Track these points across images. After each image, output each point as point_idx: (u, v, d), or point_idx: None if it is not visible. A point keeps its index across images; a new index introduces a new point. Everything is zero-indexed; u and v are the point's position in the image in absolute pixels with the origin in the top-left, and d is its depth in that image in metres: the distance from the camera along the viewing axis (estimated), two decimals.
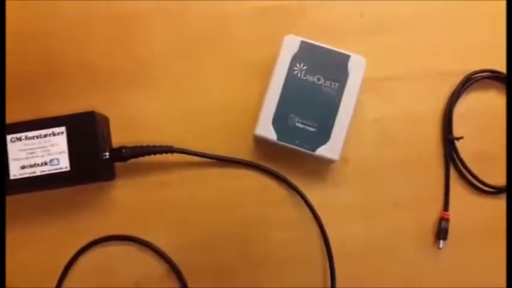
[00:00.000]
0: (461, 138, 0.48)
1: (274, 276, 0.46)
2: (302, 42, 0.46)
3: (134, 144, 0.46)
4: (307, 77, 0.45)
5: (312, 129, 0.45)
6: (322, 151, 0.45)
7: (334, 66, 0.45)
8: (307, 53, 0.46)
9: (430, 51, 0.50)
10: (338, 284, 0.46)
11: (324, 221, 0.46)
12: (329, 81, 0.45)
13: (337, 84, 0.45)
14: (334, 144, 0.45)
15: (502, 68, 0.49)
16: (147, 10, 0.49)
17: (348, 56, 0.45)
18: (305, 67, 0.45)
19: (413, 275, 0.47)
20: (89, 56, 0.49)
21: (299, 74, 0.45)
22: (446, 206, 0.48)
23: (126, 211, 0.47)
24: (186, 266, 0.46)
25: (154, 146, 0.46)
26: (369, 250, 0.47)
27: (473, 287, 0.47)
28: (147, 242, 0.46)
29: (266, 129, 0.45)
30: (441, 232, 0.48)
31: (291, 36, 0.46)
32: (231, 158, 0.47)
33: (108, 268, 0.46)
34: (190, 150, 0.46)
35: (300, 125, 0.45)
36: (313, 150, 0.45)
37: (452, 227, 0.47)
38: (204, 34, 0.49)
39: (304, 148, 0.45)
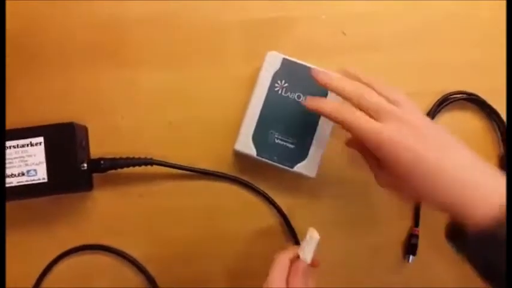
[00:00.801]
0: None
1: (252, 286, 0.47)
2: (284, 59, 0.46)
3: (113, 156, 0.46)
4: (288, 94, 0.46)
5: (291, 145, 0.46)
6: (300, 168, 0.46)
7: (315, 84, 0.45)
8: (288, 70, 0.46)
9: (408, 70, 0.51)
10: None
11: (301, 235, 0.47)
12: None
13: None
14: (311, 161, 0.46)
15: (479, 90, 0.50)
16: (133, 19, 0.49)
17: None
18: (286, 84, 0.46)
19: None
20: (71, 63, 0.48)
21: (280, 91, 0.46)
22: (416, 222, 0.50)
23: (103, 221, 0.47)
24: (162, 277, 0.47)
25: (133, 158, 0.46)
26: (343, 265, 0.49)
27: None
28: (122, 252, 0.47)
29: (246, 145, 0.45)
30: (411, 247, 0.49)
31: (273, 52, 0.46)
32: (209, 171, 0.47)
33: (83, 278, 0.47)
34: (170, 163, 0.46)
35: (280, 142, 0.46)
36: (292, 166, 0.46)
37: (421, 243, 0.49)
38: (190, 46, 0.49)
39: (282, 164, 0.46)
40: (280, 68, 0.46)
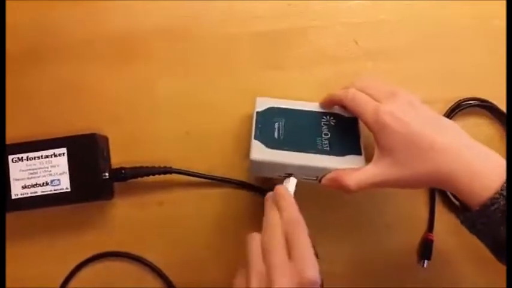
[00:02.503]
0: None
1: None
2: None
3: (133, 165, 0.47)
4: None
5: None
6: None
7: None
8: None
9: (420, 78, 0.51)
10: None
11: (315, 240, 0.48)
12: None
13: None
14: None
15: (491, 97, 0.51)
16: (148, 31, 0.50)
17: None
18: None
19: None
20: (90, 76, 0.50)
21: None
22: (430, 227, 0.50)
23: (124, 228, 0.48)
24: (181, 283, 0.48)
25: (153, 167, 0.47)
26: (356, 271, 0.49)
27: None
28: (143, 258, 0.48)
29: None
30: (425, 252, 0.50)
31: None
32: (228, 178, 0.48)
33: (104, 284, 0.48)
34: (188, 171, 0.48)
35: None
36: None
37: (436, 247, 0.50)
38: (205, 57, 0.51)
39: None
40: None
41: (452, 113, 0.51)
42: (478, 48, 0.52)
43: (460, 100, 0.51)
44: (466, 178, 0.36)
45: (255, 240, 0.37)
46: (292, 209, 0.38)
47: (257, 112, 0.46)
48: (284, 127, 0.45)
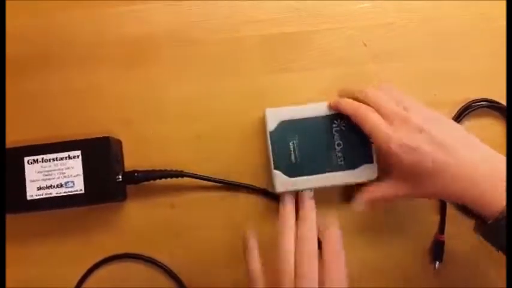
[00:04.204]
0: None
1: None
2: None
3: (145, 168, 0.48)
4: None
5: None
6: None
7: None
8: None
9: (428, 79, 0.52)
10: None
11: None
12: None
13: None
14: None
15: (500, 98, 0.51)
16: (158, 35, 0.51)
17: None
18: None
19: None
20: (101, 79, 0.51)
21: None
22: (441, 229, 0.50)
23: (137, 231, 0.49)
24: (193, 285, 0.48)
25: (165, 170, 0.48)
26: (368, 274, 0.49)
27: None
28: (155, 260, 0.49)
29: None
30: (437, 253, 0.50)
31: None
32: (238, 183, 0.49)
33: (118, 286, 0.49)
34: (200, 175, 0.48)
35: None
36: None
37: (447, 249, 0.49)
38: (215, 60, 0.51)
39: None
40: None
41: (462, 114, 0.51)
42: (485, 49, 0.52)
43: (470, 101, 0.51)
44: (476, 195, 0.38)
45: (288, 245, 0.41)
46: (336, 240, 0.41)
47: (270, 133, 0.47)
48: (298, 147, 0.47)
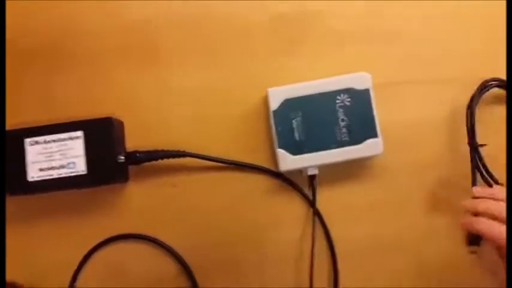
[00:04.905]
0: (485, 145, 0.48)
1: (282, 273, 0.49)
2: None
3: (148, 149, 0.48)
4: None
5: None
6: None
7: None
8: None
9: (437, 59, 0.52)
10: (344, 282, 0.48)
11: (332, 221, 0.49)
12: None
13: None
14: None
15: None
16: (161, 20, 0.51)
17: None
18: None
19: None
20: (105, 64, 0.51)
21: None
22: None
23: (139, 211, 0.49)
24: (196, 263, 0.48)
25: (168, 151, 0.48)
26: (373, 247, 0.50)
27: None
28: (157, 240, 0.48)
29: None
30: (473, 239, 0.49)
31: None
32: (241, 162, 0.49)
33: (120, 266, 0.48)
34: (202, 155, 0.48)
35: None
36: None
37: None
38: (220, 44, 0.51)
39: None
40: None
41: (481, 92, 0.50)
42: (495, 29, 0.52)
43: (486, 80, 0.50)
44: None
45: None
46: None
47: (273, 112, 0.47)
48: (302, 123, 0.47)
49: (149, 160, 0.48)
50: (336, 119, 0.47)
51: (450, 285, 0.49)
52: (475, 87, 0.50)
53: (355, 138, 0.47)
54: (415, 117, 0.51)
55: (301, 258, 0.49)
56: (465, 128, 0.49)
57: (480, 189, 0.46)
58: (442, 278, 0.49)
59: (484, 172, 0.48)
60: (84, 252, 0.48)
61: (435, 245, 0.50)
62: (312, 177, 0.48)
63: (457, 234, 0.50)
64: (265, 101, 0.49)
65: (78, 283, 0.48)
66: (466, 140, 0.49)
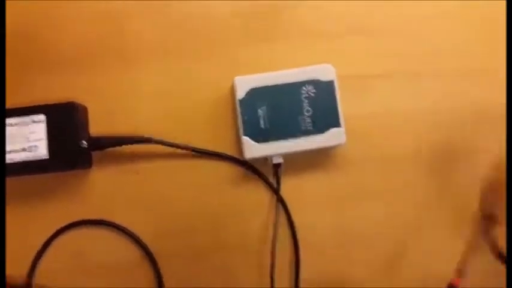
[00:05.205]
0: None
1: (245, 261, 0.49)
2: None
3: (112, 134, 0.47)
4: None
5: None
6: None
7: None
8: (261, 94, 0.48)
9: (404, 53, 0.52)
10: (306, 269, 0.49)
11: (296, 210, 0.49)
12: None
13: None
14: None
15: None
16: (128, 7, 0.51)
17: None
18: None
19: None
20: (71, 48, 0.50)
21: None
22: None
23: (102, 197, 0.48)
24: (159, 250, 0.48)
25: (132, 136, 0.47)
26: (337, 238, 0.50)
27: None
28: (120, 226, 0.48)
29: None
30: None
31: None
32: (206, 150, 0.49)
33: (82, 252, 0.48)
34: (167, 141, 0.48)
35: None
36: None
37: None
38: (188, 31, 0.51)
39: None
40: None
41: None
42: (467, 21, 0.53)
43: None
44: None
45: None
46: None
47: (239, 100, 0.47)
48: (267, 113, 0.48)
49: (112, 146, 0.47)
50: (300, 109, 0.48)
51: (413, 273, 0.50)
52: (444, 80, 0.51)
53: (319, 128, 0.48)
54: (382, 110, 0.52)
55: (264, 246, 0.49)
56: (430, 120, 0.51)
57: None
58: (405, 267, 0.50)
59: None
60: (46, 238, 0.48)
61: (397, 236, 0.51)
62: (276, 166, 0.49)
63: (418, 224, 0.51)
64: (232, 90, 0.49)
65: (39, 268, 0.48)
66: (431, 134, 0.51)
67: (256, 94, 0.48)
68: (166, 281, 0.48)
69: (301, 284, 0.49)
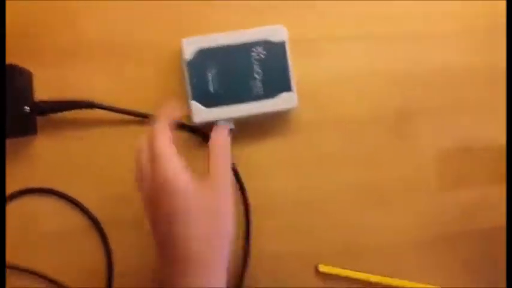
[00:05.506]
0: None
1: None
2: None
3: (55, 99, 0.46)
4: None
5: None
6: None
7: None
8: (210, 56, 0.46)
9: (359, 14, 0.50)
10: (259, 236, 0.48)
11: (248, 175, 0.48)
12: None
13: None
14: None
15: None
16: None
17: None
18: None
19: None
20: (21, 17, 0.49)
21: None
22: None
23: (47, 164, 0.47)
24: (105, 218, 0.47)
25: (76, 101, 0.46)
26: (291, 204, 0.49)
27: None
28: (65, 194, 0.47)
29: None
30: None
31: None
32: (150, 115, 0.47)
33: (27, 221, 0.47)
34: (110, 106, 0.46)
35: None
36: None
37: None
38: None
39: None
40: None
41: None
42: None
43: None
44: None
45: None
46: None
47: (187, 62, 0.45)
48: (217, 76, 0.46)
49: (55, 111, 0.46)
50: (251, 72, 0.46)
51: (372, 237, 0.50)
52: (398, 43, 0.49)
53: (270, 92, 0.46)
54: (337, 73, 0.50)
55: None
56: (385, 82, 0.49)
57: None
58: (355, 235, 0.49)
59: None
60: None
61: (357, 200, 0.49)
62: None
63: (376, 186, 0.49)
64: (181, 53, 0.47)
65: None
66: (386, 96, 0.49)
67: (205, 56, 0.46)
68: (114, 248, 0.47)
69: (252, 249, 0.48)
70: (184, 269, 0.35)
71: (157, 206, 0.36)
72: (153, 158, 0.37)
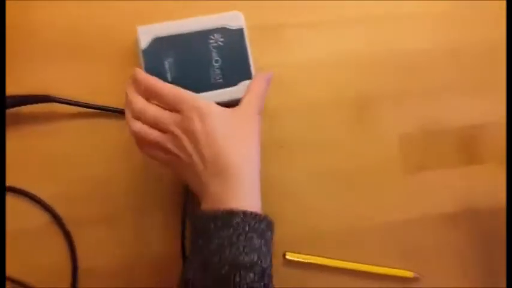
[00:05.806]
0: None
1: (156, 224, 0.47)
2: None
3: (9, 94, 0.45)
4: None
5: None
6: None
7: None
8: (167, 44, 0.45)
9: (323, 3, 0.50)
10: None
11: None
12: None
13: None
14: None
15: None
16: None
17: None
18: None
19: None
20: None
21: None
22: None
23: (8, 162, 0.46)
24: (69, 216, 0.46)
25: (30, 95, 0.45)
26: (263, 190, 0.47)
27: None
28: (27, 192, 0.46)
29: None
30: None
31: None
32: (111, 107, 0.47)
33: None
34: (67, 100, 0.46)
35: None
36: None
37: None
38: None
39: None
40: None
41: None
42: None
43: None
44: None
45: None
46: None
47: (143, 51, 0.44)
48: (175, 64, 0.45)
49: (11, 106, 0.45)
50: (209, 60, 0.45)
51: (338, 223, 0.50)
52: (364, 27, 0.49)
53: (230, 80, 0.45)
54: (298, 60, 0.50)
55: (177, 207, 0.47)
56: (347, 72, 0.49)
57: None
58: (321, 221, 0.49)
59: None
60: None
61: (319, 188, 0.49)
62: None
63: (341, 176, 0.50)
64: (137, 42, 0.46)
65: None
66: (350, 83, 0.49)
67: (162, 44, 0.45)
68: (78, 245, 0.46)
69: None
70: (225, 182, 0.38)
71: (193, 132, 0.38)
72: (166, 93, 0.40)
